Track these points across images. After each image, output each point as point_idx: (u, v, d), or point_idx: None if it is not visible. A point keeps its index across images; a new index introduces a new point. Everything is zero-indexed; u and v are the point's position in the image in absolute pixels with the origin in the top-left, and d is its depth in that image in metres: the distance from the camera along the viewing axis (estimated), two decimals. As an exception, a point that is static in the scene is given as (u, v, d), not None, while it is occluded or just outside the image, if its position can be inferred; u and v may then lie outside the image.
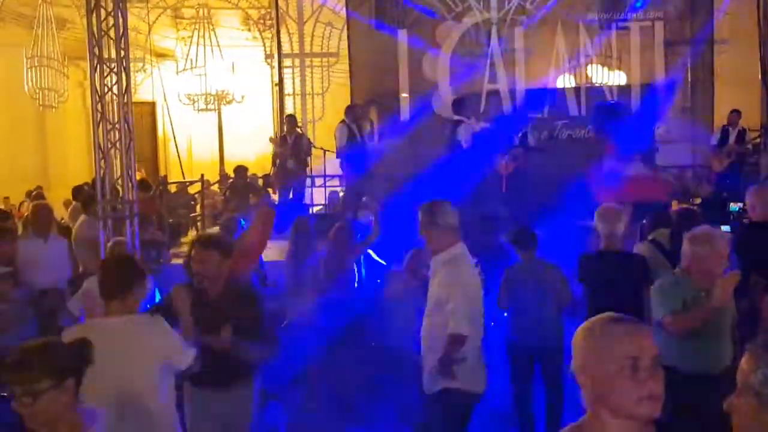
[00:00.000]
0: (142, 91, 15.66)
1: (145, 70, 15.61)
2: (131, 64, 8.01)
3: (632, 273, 5.11)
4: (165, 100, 16.19)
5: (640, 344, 1.83)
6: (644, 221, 6.34)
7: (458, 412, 4.38)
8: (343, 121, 10.83)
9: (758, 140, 12.04)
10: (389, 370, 6.09)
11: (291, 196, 11.51)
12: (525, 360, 5.83)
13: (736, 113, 11.33)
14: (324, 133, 13.85)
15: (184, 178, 15.42)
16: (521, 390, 5.86)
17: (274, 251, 8.85)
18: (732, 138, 11.25)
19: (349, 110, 11.01)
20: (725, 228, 8.29)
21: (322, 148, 12.66)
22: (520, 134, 11.02)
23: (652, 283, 5.07)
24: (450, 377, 4.21)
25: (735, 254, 5.96)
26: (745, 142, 11.43)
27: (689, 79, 12.37)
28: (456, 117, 10.21)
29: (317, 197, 12.99)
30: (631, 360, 1.80)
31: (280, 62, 14.04)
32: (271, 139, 12.87)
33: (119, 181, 7.62)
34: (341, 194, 12.41)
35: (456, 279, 4.29)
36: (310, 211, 12.30)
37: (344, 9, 13.14)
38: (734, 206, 9.49)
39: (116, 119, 7.54)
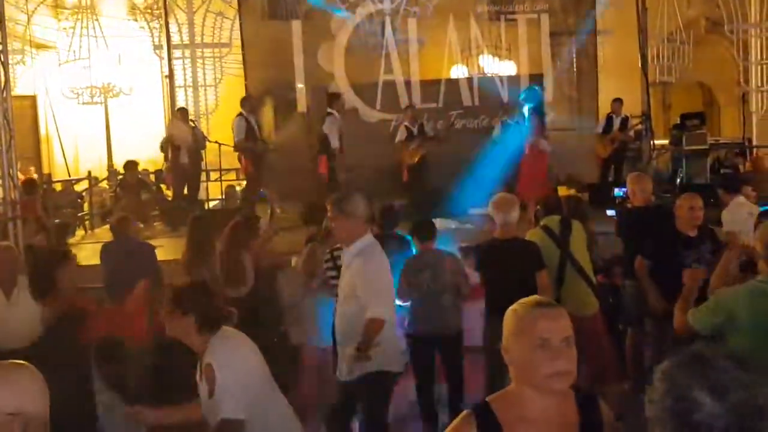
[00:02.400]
0: (22, 85, 14.85)
1: (24, 63, 14.79)
2: (9, 57, 7.58)
3: (526, 259, 5.27)
4: (47, 94, 15.42)
5: (550, 325, 2.04)
6: (538, 207, 6.53)
7: (379, 393, 4.49)
8: (240, 114, 10.64)
9: (640, 127, 12.63)
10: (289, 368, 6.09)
11: (185, 191, 11.21)
12: (425, 349, 5.93)
13: (618, 102, 11.86)
14: (218, 126, 13.56)
15: (69, 176, 14.74)
16: (423, 378, 5.96)
17: (170, 249, 8.62)
18: (616, 125, 11.77)
19: (245, 101, 10.84)
20: (610, 212, 8.71)
21: (216, 142, 12.40)
22: (417, 124, 11.17)
23: (544, 268, 5.29)
24: (367, 362, 4.26)
25: (618, 238, 6.30)
26: (627, 129, 11.97)
27: (574, 69, 12.84)
28: (328, 110, 10.24)
29: (213, 192, 12.73)
30: (542, 340, 2.02)
31: (169, 53, 13.60)
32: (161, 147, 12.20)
33: (-1, 181, 7.23)
34: (238, 188, 12.21)
35: (371, 267, 4.35)
36: (206, 207, 12.05)
37: (235, -1, 12.91)
38: (618, 191, 9.94)
39: (-7, 115, 7.14)
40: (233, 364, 3.14)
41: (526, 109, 10.28)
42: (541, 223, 5.87)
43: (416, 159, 10.74)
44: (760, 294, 3.46)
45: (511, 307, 2.16)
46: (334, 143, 10.15)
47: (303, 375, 5.97)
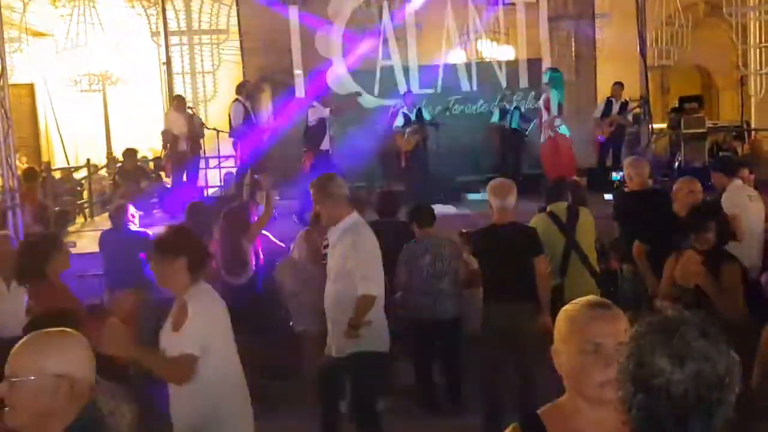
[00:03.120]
0: (20, 74, 14.81)
1: (21, 51, 14.74)
2: (6, 45, 7.56)
3: (524, 244, 5.28)
4: (45, 82, 15.37)
5: (605, 329, 1.86)
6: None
7: (369, 372, 4.54)
8: (237, 100, 10.61)
9: (638, 111, 12.60)
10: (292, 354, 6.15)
11: (184, 178, 11.20)
12: (425, 334, 5.97)
13: (618, 85, 11.81)
14: (216, 113, 13.54)
15: (68, 164, 14.73)
16: (423, 364, 6.00)
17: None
18: (615, 109, 11.74)
19: (241, 87, 10.78)
20: (608, 196, 8.72)
21: (215, 129, 12.38)
22: (415, 110, 11.15)
23: (542, 253, 5.30)
24: (358, 340, 4.35)
25: (615, 222, 6.30)
26: (627, 113, 11.94)
27: (573, 54, 12.81)
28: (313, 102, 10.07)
29: (212, 179, 12.72)
30: (594, 345, 1.85)
31: (167, 40, 13.55)
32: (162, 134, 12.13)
33: (-2, 170, 7.23)
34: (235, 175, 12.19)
35: (359, 244, 4.43)
36: (205, 194, 12.05)
37: (233, -15, 12.85)
38: (616, 175, 9.94)
39: (-9, 104, 7.13)
40: (206, 311, 3.29)
41: (549, 94, 10.24)
42: (548, 209, 5.84)
43: (412, 145, 10.72)
44: None
45: (564, 307, 1.99)
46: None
47: (305, 362, 6.02)
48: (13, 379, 2.01)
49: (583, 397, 1.88)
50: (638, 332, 1.54)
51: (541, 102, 10.47)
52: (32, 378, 2.00)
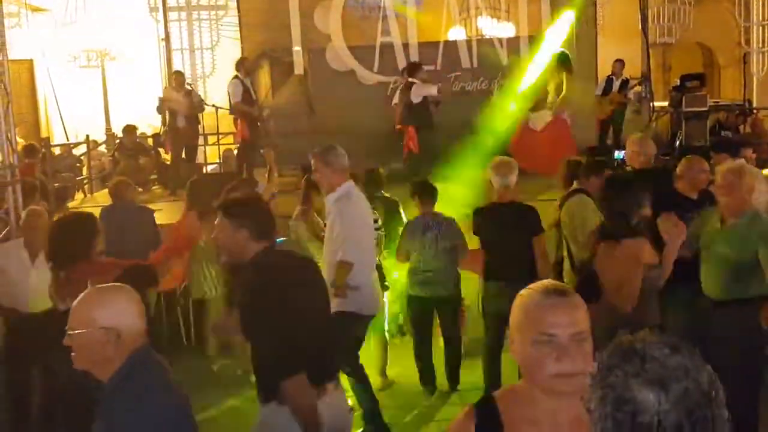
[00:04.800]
0: (19, 49, 14.71)
1: (21, 26, 14.63)
2: (5, 20, 7.50)
3: (524, 223, 5.28)
4: (44, 55, 15.28)
5: (558, 319, 1.77)
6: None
7: (352, 333, 4.81)
8: (236, 77, 10.56)
9: (639, 88, 12.55)
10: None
11: (183, 155, 11.18)
12: (424, 310, 5.99)
13: (619, 63, 11.76)
14: (215, 90, 13.48)
15: (68, 140, 14.69)
16: (421, 340, 6.03)
17: (168, 213, 8.63)
18: (615, 87, 11.70)
19: (240, 64, 10.73)
20: (609, 175, 8.67)
21: (214, 105, 12.33)
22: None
23: (542, 233, 5.29)
24: (343, 301, 4.60)
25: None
26: (627, 90, 11.90)
27: (574, 31, 12.71)
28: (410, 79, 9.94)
29: (211, 156, 12.70)
30: (547, 336, 1.76)
31: (165, 15, 13.46)
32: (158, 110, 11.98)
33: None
34: (236, 152, 12.17)
35: (346, 211, 4.67)
36: (204, 170, 12.03)
37: (231, -40, 12.73)
38: (618, 154, 9.90)
39: (-10, 80, 7.08)
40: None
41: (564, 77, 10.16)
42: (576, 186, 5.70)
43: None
44: None
45: (520, 292, 1.89)
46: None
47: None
48: (70, 332, 2.34)
49: (537, 387, 1.81)
50: (602, 369, 1.35)
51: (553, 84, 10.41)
52: (84, 330, 2.32)
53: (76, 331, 2.33)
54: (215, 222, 3.22)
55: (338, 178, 4.72)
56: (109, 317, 2.32)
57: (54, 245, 4.02)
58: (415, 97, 9.59)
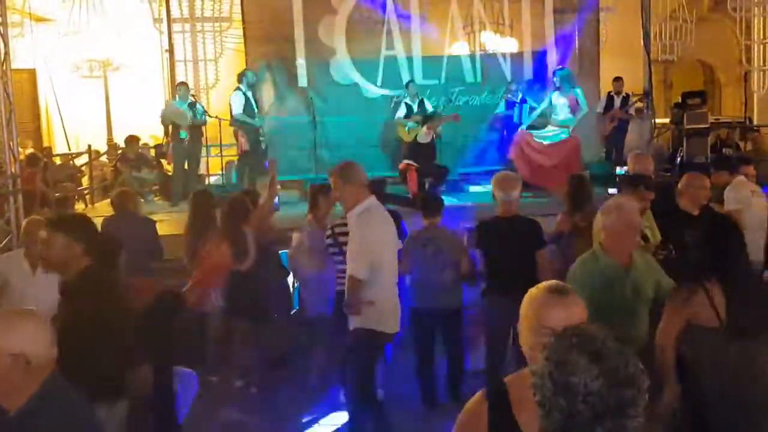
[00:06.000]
0: (21, 59, 14.75)
1: (23, 35, 14.67)
2: (8, 30, 7.53)
3: (527, 237, 5.27)
4: (46, 63, 15.30)
5: (558, 314, 2.01)
6: None
7: (366, 350, 4.74)
8: (238, 89, 10.59)
9: (640, 105, 12.57)
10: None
11: (186, 166, 11.18)
12: (426, 324, 5.96)
13: (618, 80, 11.83)
14: (218, 101, 13.50)
15: (69, 150, 14.69)
16: (423, 353, 6.00)
17: (171, 224, 8.63)
18: (617, 104, 11.74)
19: (243, 76, 10.76)
20: (612, 191, 8.71)
21: (217, 117, 12.34)
22: (417, 101, 11.12)
23: (545, 246, 5.29)
24: (358, 317, 4.57)
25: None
26: (628, 107, 11.93)
27: (577, 47, 12.76)
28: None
29: (213, 167, 12.70)
30: (548, 329, 1.96)
31: (169, 27, 13.47)
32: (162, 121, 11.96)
33: (-1, 155, 7.20)
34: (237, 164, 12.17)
35: (363, 227, 4.59)
36: (207, 182, 12.03)
37: (236, -28, 12.77)
38: (620, 170, 9.92)
39: (-6, 89, 7.10)
40: None
41: (573, 93, 10.63)
42: None
43: (413, 137, 10.70)
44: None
45: (529, 291, 2.17)
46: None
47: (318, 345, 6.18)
48: None
49: None
50: (554, 340, 1.64)
51: (564, 102, 10.55)
52: None
53: None
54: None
55: (359, 194, 4.66)
56: (17, 343, 2.18)
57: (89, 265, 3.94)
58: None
